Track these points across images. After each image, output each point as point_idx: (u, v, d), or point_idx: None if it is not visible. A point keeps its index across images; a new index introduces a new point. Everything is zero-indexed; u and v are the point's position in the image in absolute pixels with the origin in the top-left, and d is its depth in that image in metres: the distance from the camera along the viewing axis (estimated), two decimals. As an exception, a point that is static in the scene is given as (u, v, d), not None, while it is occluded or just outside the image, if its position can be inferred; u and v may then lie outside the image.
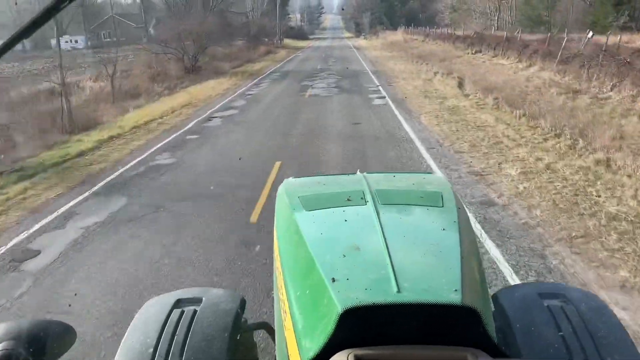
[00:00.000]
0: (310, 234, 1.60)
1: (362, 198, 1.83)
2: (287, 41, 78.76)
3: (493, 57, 27.13)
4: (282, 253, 1.68)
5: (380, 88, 19.31)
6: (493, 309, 1.60)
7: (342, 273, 1.34)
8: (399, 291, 1.24)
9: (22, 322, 1.42)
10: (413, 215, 1.79)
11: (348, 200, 1.84)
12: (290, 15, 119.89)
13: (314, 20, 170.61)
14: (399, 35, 70.31)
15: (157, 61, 26.91)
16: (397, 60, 32.57)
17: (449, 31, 45.90)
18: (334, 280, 1.31)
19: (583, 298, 1.68)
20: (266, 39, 63.23)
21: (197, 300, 1.74)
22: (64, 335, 1.45)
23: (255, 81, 24.35)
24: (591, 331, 1.48)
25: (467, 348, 1.19)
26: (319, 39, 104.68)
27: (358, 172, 2.29)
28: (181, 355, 1.48)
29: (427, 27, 68.21)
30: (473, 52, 30.55)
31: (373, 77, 23.58)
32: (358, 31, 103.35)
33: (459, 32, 41.63)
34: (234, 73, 28.61)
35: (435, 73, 22.28)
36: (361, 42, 70.34)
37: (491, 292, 1.73)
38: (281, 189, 2.15)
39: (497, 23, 56.90)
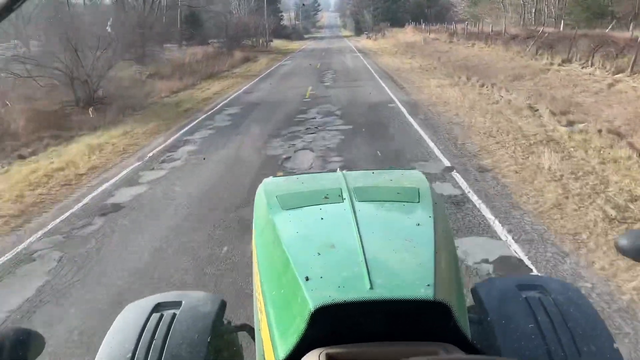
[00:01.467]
0: (286, 233, 1.60)
1: (339, 195, 1.83)
2: (276, 42, 66.86)
3: (609, 72, 15.47)
4: (258, 253, 1.70)
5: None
6: (472, 302, 1.67)
7: (316, 271, 1.34)
8: (371, 288, 1.23)
9: None
10: (389, 211, 1.80)
11: (325, 198, 1.83)
12: (282, 13, 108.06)
13: (309, 18, 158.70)
14: (410, 33, 58.59)
15: (30, 88, 15.02)
16: (432, 76, 20.58)
17: (480, 28, 34.11)
18: (307, 278, 1.30)
19: (561, 289, 1.67)
20: (250, 41, 51.42)
21: (176, 304, 1.71)
22: (31, 342, 1.36)
23: (171, 140, 11.03)
24: (568, 322, 1.48)
25: (439, 343, 1.19)
26: (314, 38, 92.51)
27: (338, 171, 2.25)
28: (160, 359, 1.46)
29: (439, 24, 57.40)
30: (558, 61, 18.81)
31: (422, 131, 10.38)
32: (359, 29, 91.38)
33: (489, 30, 29.88)
34: (155, 111, 15.01)
35: (538, 115, 10.69)
36: (365, 42, 58.39)
37: (470, 285, 1.77)
38: (260, 188, 2.14)
39: (535, 16, 44.89)
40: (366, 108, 13.81)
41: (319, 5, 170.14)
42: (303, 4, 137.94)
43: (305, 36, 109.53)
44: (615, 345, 1.43)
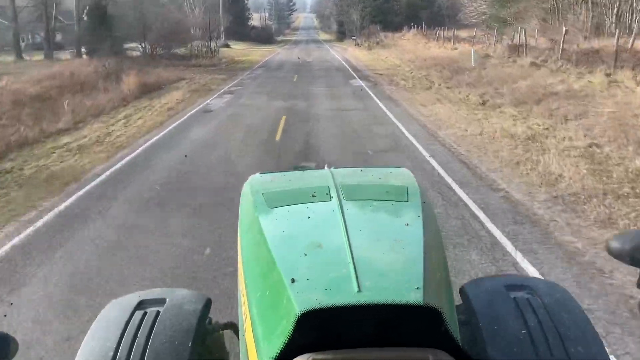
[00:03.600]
0: (271, 232, 1.53)
1: (327, 194, 1.75)
2: (236, 48, 49.72)
3: None
4: (243, 252, 1.63)
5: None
6: (460, 302, 1.61)
7: (302, 273, 1.28)
8: (359, 290, 1.19)
9: None
10: (377, 210, 1.73)
11: (312, 196, 1.75)
12: (250, 12, 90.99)
13: (283, 19, 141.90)
14: (412, 40, 42.47)
15: None
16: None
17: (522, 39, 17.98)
18: (293, 280, 1.25)
19: (549, 290, 1.64)
20: (186, 48, 34.32)
21: (160, 301, 1.62)
22: (3, 345, 1.27)
23: None
24: (556, 323, 1.45)
25: (428, 349, 1.16)
26: (288, 42, 75.59)
27: (325, 168, 2.16)
28: (142, 357, 1.39)
29: (441, 28, 42.39)
30: None
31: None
32: (341, 32, 75.08)
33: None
34: None
35: None
36: (355, 52, 41.86)
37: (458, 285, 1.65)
38: (246, 185, 2.04)
39: (615, 22, 28.70)
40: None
41: (293, 4, 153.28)
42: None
43: (278, 39, 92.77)
44: (604, 348, 1.39)
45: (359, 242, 1.39)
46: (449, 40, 35.39)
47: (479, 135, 10.06)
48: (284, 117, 12.67)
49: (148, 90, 18.78)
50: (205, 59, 33.09)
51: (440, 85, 18.33)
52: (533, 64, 19.22)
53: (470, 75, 19.08)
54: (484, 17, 55.92)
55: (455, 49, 31.38)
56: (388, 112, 13.12)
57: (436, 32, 42.20)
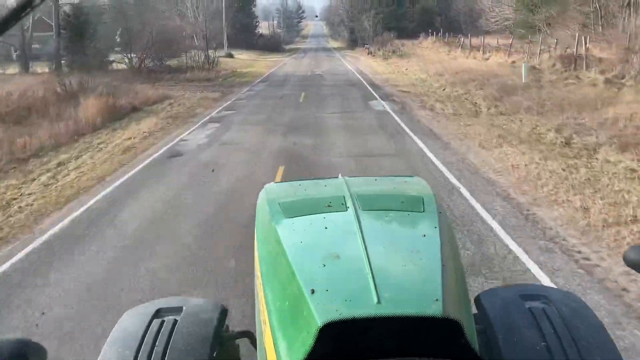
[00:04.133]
0: (290, 242, 1.54)
1: (342, 204, 1.77)
2: (238, 58, 45.76)
3: None
4: (261, 261, 1.62)
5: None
6: (475, 311, 1.59)
7: (322, 283, 1.29)
8: (379, 302, 1.20)
9: None
10: (394, 221, 1.74)
11: (329, 206, 1.77)
12: (257, 20, 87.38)
13: (292, 27, 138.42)
14: (433, 49, 38.29)
15: None
16: None
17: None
18: (313, 291, 1.25)
19: (564, 299, 1.63)
20: (184, 58, 30.44)
21: (177, 310, 1.65)
22: (33, 355, 1.31)
23: None
24: (572, 332, 1.43)
25: None
26: (296, 51, 71.75)
27: (340, 176, 2.16)
28: None
29: (459, 36, 38.88)
30: None
31: None
32: (353, 40, 71.03)
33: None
34: None
35: None
36: (370, 62, 37.58)
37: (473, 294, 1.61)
38: (262, 194, 2.06)
39: None
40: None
41: (303, 12, 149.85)
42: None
43: (286, 47, 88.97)
44: (620, 357, 1.38)
45: (377, 253, 1.38)
46: (477, 49, 31.10)
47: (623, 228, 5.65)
48: (280, 170, 8.43)
49: (116, 117, 14.69)
50: (201, 72, 29.05)
51: (489, 110, 14.00)
52: (608, 81, 14.84)
53: (526, 96, 14.74)
54: (506, 23, 51.52)
55: (487, 59, 27.10)
56: (438, 163, 8.76)
57: (460, 39, 37.91)
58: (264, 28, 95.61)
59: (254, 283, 1.69)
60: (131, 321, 1.62)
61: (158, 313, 1.63)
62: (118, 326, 1.62)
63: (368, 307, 1.19)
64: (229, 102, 18.30)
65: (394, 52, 43.32)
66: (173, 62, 30.84)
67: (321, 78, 26.69)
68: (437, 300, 1.21)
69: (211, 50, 35.78)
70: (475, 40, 35.03)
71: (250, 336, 1.81)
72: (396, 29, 60.00)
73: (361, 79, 25.36)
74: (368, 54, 46.82)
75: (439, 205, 1.82)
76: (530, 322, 1.49)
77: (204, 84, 24.37)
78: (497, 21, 51.85)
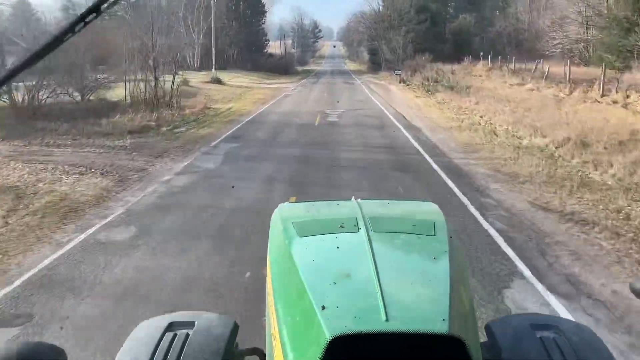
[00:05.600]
0: (302, 260, 1.57)
1: (355, 225, 1.79)
2: (228, 85, 34.54)
3: None
4: (274, 278, 1.64)
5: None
6: (485, 339, 1.63)
7: (332, 300, 1.33)
8: (387, 320, 1.23)
9: (11, 344, 1.34)
10: (405, 243, 1.76)
11: (341, 227, 1.79)
12: (267, 38, 77.00)
13: (308, 46, 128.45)
14: (499, 78, 26.94)
15: None
16: None
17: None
18: (323, 307, 1.29)
19: (576, 330, 1.62)
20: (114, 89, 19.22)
21: (189, 324, 1.65)
22: (53, 358, 1.34)
23: None
24: None
25: None
26: (309, 73, 60.69)
27: (352, 199, 2.18)
28: None
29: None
30: None
31: None
32: (375, 63, 59.90)
33: None
34: None
35: None
36: (410, 97, 25.12)
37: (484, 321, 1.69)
38: (275, 214, 2.06)
39: None
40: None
41: (319, 31, 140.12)
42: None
43: (299, 68, 78.33)
44: None
45: (387, 274, 1.41)
46: (560, 80, 19.46)
47: None
48: None
49: None
50: (147, 112, 17.80)
51: None
52: None
53: None
54: (575, 45, 39.70)
55: (625, 104, 15.39)
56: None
57: (540, 65, 26.36)
58: (276, 48, 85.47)
59: (266, 300, 1.67)
60: (143, 334, 1.59)
61: (170, 327, 1.61)
62: (130, 339, 1.58)
63: (376, 323, 1.22)
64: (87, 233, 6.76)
65: (436, 81, 31.81)
66: (112, 94, 19.69)
67: (337, 131, 15.18)
68: (444, 320, 1.23)
69: (179, 74, 24.55)
70: (555, 69, 23.65)
71: (259, 353, 1.77)
72: (429, 50, 48.78)
73: (417, 145, 13.19)
74: (400, 82, 35.39)
75: (450, 230, 1.81)
76: (541, 353, 1.45)
77: (120, 143, 12.98)
78: (558, 43, 40.29)
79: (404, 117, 18.00)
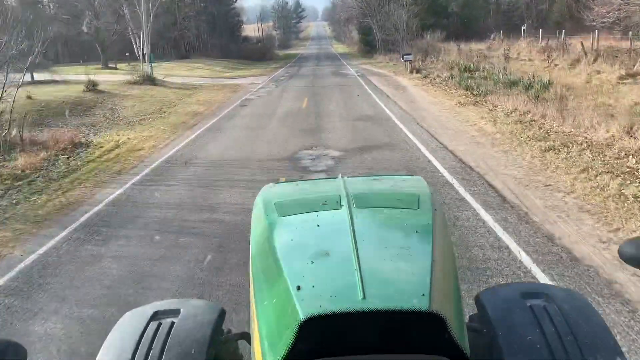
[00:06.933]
0: (280, 240, 1.53)
1: (337, 202, 1.72)
2: (169, 84, 23.31)
3: None
4: (253, 260, 1.60)
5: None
6: (475, 310, 1.57)
7: (308, 280, 1.27)
8: (364, 298, 1.18)
9: None
10: (387, 218, 1.70)
11: (324, 204, 1.73)
12: (240, 19, 65.37)
13: (290, 27, 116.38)
14: (550, 61, 16.15)
15: None
16: None
17: None
18: (299, 288, 1.24)
19: (566, 297, 1.55)
20: None
21: (174, 312, 1.60)
22: (12, 354, 1.30)
23: None
24: (574, 331, 1.37)
25: (433, 356, 1.15)
26: (291, 58, 49.71)
27: (339, 177, 2.07)
28: None
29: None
30: None
31: None
32: (367, 45, 48.98)
33: None
34: None
35: None
36: (446, 101, 14.38)
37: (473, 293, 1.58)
38: (259, 195, 2.01)
39: None
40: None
41: (302, 11, 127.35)
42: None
43: (280, 53, 67.15)
44: (623, 356, 1.32)
45: (367, 250, 1.37)
46: None
47: None
48: None
49: None
50: None
51: None
52: None
53: None
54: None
55: None
56: None
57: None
58: (255, 31, 73.94)
59: (249, 286, 1.56)
60: (128, 324, 1.54)
61: (155, 315, 1.57)
62: (115, 329, 1.54)
63: (353, 302, 1.17)
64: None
65: (468, 70, 21.33)
66: None
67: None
68: (423, 295, 1.18)
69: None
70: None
71: (247, 338, 1.65)
72: (432, 27, 38.22)
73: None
74: (411, 72, 24.84)
75: (436, 202, 1.74)
76: (532, 321, 1.41)
77: None
78: (608, 13, 29.98)
79: (494, 186, 7.52)
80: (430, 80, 21.04)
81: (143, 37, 28.37)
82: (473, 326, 1.40)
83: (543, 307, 1.46)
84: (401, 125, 11.84)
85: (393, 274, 1.28)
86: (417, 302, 1.15)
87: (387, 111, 14.09)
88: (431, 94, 17.12)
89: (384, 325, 1.17)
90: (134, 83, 22.38)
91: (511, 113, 12.06)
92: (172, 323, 1.51)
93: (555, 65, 18.79)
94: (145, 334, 1.47)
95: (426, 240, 1.45)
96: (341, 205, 1.67)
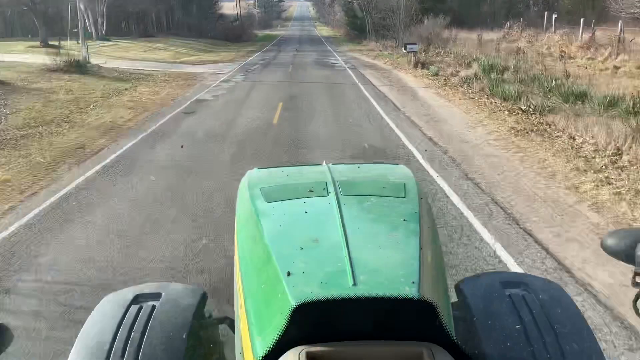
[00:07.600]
0: (268, 226, 1.50)
1: (324, 189, 1.71)
2: (118, 71, 18.05)
3: None
4: (240, 246, 1.58)
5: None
6: (456, 299, 1.58)
7: (298, 267, 1.26)
8: (354, 284, 1.17)
9: None
10: (374, 206, 1.67)
11: (310, 191, 1.71)
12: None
13: (272, 6, 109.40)
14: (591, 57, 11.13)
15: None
16: None
17: None
18: (289, 274, 1.23)
19: (545, 287, 1.57)
20: None
21: (156, 296, 1.54)
22: None
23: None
24: (551, 320, 1.40)
25: (423, 343, 1.15)
26: (270, 40, 44.01)
27: (323, 163, 2.09)
28: (138, 352, 1.32)
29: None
30: None
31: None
32: (355, 29, 43.46)
33: None
34: None
35: None
36: (491, 124, 9.18)
37: (454, 281, 1.58)
38: (244, 180, 1.97)
39: None
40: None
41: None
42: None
43: (259, 33, 61.18)
44: (598, 344, 1.34)
45: (356, 237, 1.36)
46: None
47: None
48: None
49: None
50: None
51: None
52: None
53: None
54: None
55: None
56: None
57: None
58: (228, 9, 67.49)
59: (235, 270, 1.53)
60: (108, 308, 1.49)
61: (136, 299, 1.50)
62: (95, 313, 1.49)
63: (344, 288, 1.16)
64: None
65: (493, 70, 16.38)
66: None
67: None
68: (413, 282, 1.18)
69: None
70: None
71: (229, 322, 1.68)
72: (432, 12, 33.08)
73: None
74: (415, 66, 19.77)
75: (421, 191, 1.75)
76: (510, 309, 1.42)
77: None
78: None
79: None
80: (445, 79, 16.03)
81: (80, 5, 22.45)
82: (454, 314, 1.35)
83: (522, 296, 1.47)
84: (442, 184, 6.70)
85: (382, 261, 1.27)
86: (407, 290, 1.15)
87: (403, 138, 9.03)
88: (457, 105, 12.11)
89: (374, 312, 1.16)
90: (55, 70, 16.77)
91: (615, 156, 7.19)
92: (153, 307, 1.47)
93: (616, 68, 13.95)
94: (125, 318, 1.42)
95: (414, 228, 1.44)
96: (328, 192, 1.66)
